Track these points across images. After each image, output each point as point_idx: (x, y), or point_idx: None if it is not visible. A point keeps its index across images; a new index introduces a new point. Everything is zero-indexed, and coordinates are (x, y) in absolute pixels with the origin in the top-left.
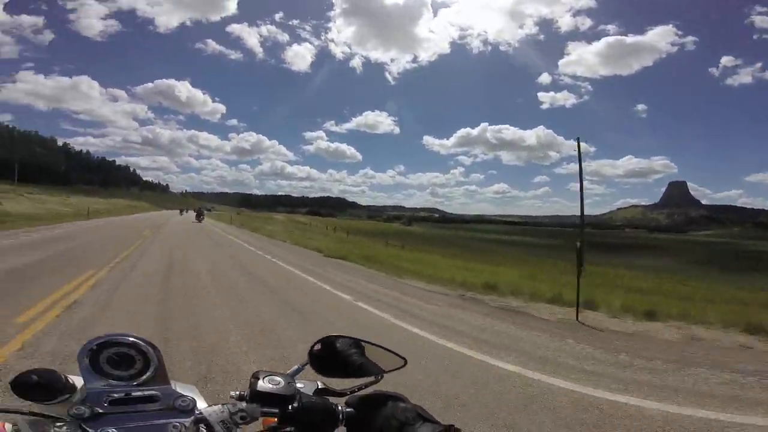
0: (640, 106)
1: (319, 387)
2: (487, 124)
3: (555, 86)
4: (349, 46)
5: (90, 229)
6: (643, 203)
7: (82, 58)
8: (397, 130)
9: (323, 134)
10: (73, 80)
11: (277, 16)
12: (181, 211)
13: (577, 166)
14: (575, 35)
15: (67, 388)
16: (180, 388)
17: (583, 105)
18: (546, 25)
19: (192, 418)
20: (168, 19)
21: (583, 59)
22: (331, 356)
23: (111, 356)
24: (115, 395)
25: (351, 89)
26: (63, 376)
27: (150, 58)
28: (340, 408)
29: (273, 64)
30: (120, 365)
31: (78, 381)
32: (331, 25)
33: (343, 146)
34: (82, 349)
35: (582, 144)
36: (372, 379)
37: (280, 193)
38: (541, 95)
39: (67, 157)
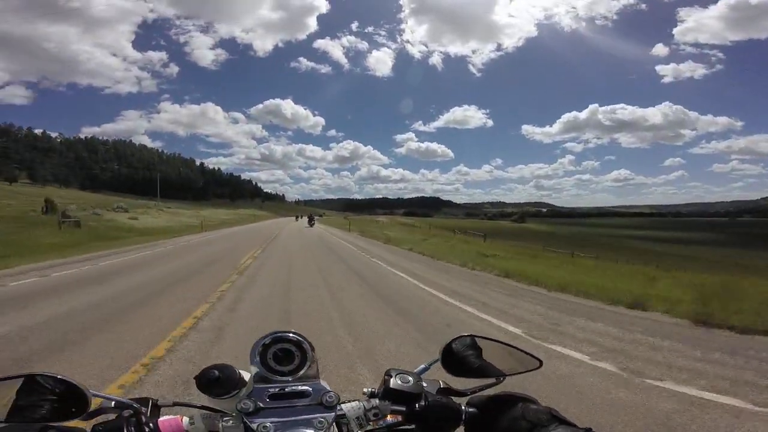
0: None
1: (442, 386)
2: (597, 105)
3: (675, 57)
4: (425, 44)
5: (188, 248)
6: None
7: (204, 86)
8: (490, 122)
9: (413, 135)
10: (201, 107)
11: (354, 26)
12: (296, 218)
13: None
14: (683, 0)
15: (239, 383)
16: (324, 384)
17: (716, 75)
18: None
19: (334, 413)
20: (263, 44)
21: (704, 25)
22: (456, 356)
23: (276, 352)
24: (273, 390)
25: (434, 87)
26: (237, 371)
27: (257, 81)
28: (463, 408)
29: (358, 73)
30: (282, 361)
31: (246, 375)
32: (403, 26)
33: (434, 145)
34: (255, 344)
35: (723, 119)
36: (493, 380)
37: (377, 196)
38: (660, 68)
39: (203, 174)
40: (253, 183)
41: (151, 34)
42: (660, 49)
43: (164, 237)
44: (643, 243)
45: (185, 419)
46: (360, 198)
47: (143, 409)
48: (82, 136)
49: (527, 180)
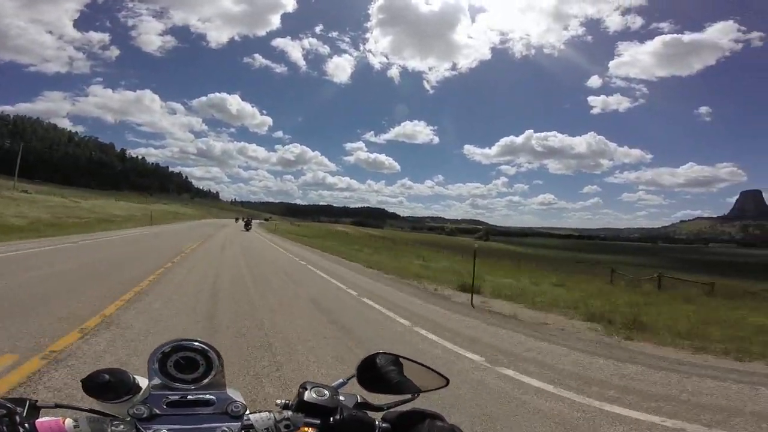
0: (703, 109)
1: (359, 401)
2: (532, 131)
3: (606, 89)
4: (387, 56)
5: None
6: (707, 215)
7: (144, 73)
8: (436, 139)
9: (363, 145)
10: (137, 94)
11: (318, 29)
12: (236, 220)
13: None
14: (626, 35)
15: (133, 388)
16: (231, 394)
17: (638, 109)
18: (593, 25)
19: (240, 423)
20: (218, 35)
21: (637, 60)
22: (373, 372)
23: (178, 360)
24: (173, 397)
25: (389, 99)
26: (131, 377)
27: (204, 73)
28: (377, 423)
29: (315, 77)
30: (184, 369)
31: (143, 382)
32: (368, 35)
33: (382, 157)
34: (154, 352)
35: (637, 151)
36: (409, 396)
37: (321, 203)
38: (591, 99)
39: (123, 161)
40: (184, 177)
41: (97, 14)
42: (594, 81)
43: None
44: (588, 266)
45: (68, 421)
46: (303, 204)
47: (18, 409)
48: None
49: (464, 198)
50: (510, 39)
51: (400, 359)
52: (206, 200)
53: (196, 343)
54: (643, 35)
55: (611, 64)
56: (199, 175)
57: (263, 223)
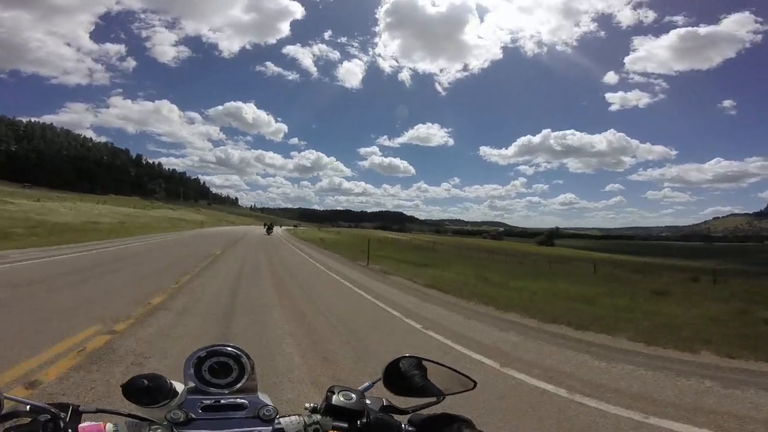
0: (727, 102)
1: (385, 404)
2: (549, 130)
3: (624, 85)
4: (396, 59)
5: None
6: (738, 211)
7: (161, 83)
8: (451, 141)
9: (377, 149)
10: (155, 104)
11: (326, 35)
12: (266, 226)
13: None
14: (639, 29)
15: (170, 393)
16: (262, 398)
17: (658, 104)
18: (604, 20)
19: (271, 428)
20: (230, 44)
21: (653, 54)
22: (399, 375)
23: (212, 365)
24: (208, 401)
25: (401, 102)
26: (168, 382)
27: (218, 82)
28: (404, 426)
29: (327, 82)
30: (218, 374)
31: (179, 386)
32: (377, 40)
33: (396, 160)
34: (190, 357)
35: (660, 147)
36: (434, 399)
37: (339, 208)
38: (609, 96)
39: (138, 167)
40: (201, 182)
41: (111, 26)
42: (611, 77)
43: None
44: (660, 271)
45: (109, 426)
46: (320, 209)
47: (62, 414)
48: None
49: (482, 200)
50: (521, 38)
51: (425, 362)
52: (224, 206)
53: (230, 349)
54: (657, 29)
55: (627, 59)
56: (219, 183)
57: (291, 229)
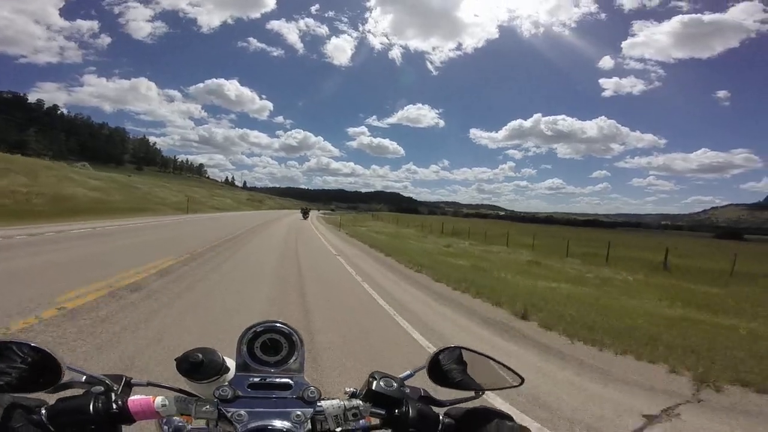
0: (722, 93)
1: (423, 394)
2: (540, 114)
3: (619, 71)
4: (387, 36)
5: None
6: (718, 201)
7: (137, 61)
8: (441, 123)
9: (366, 129)
10: (132, 82)
11: (314, 9)
12: (302, 212)
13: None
14: (641, 13)
15: (221, 369)
16: (307, 379)
17: (653, 92)
18: (606, 2)
19: (312, 409)
20: (209, 19)
21: (653, 40)
22: (440, 366)
23: (265, 341)
24: (255, 379)
25: (392, 82)
26: (220, 357)
27: (198, 58)
28: (441, 418)
29: (314, 59)
30: (269, 351)
31: (230, 362)
32: (367, 15)
33: (386, 141)
34: (245, 331)
35: (650, 135)
36: (473, 393)
37: (327, 188)
38: (603, 81)
39: (123, 141)
40: (161, 153)
41: (83, 2)
42: (607, 62)
43: None
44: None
45: (158, 399)
46: (309, 189)
47: (115, 386)
48: None
49: (470, 183)
50: (518, 16)
51: (470, 353)
52: (203, 183)
53: (284, 326)
54: (660, 14)
55: (625, 44)
56: (203, 162)
57: (330, 215)
